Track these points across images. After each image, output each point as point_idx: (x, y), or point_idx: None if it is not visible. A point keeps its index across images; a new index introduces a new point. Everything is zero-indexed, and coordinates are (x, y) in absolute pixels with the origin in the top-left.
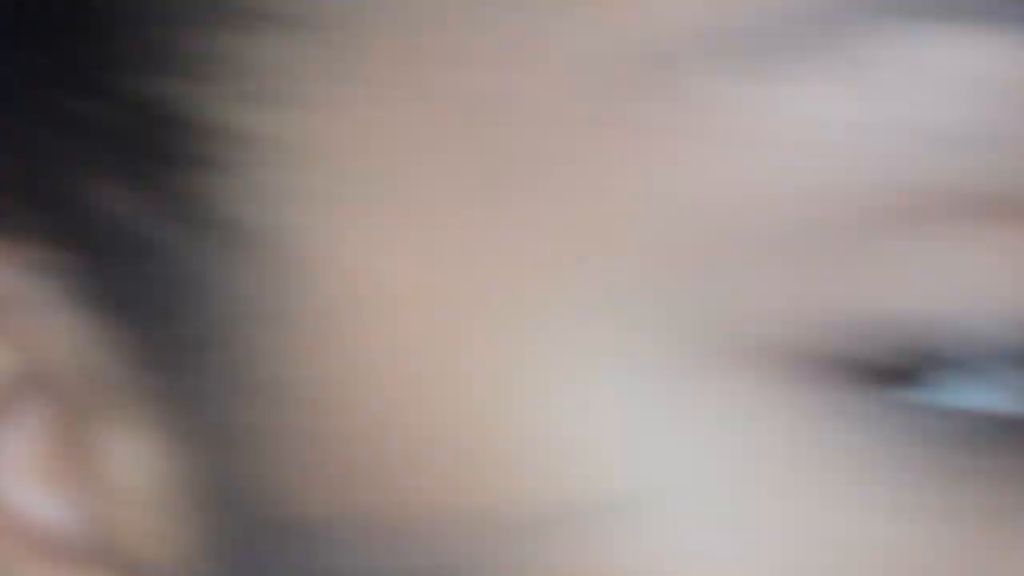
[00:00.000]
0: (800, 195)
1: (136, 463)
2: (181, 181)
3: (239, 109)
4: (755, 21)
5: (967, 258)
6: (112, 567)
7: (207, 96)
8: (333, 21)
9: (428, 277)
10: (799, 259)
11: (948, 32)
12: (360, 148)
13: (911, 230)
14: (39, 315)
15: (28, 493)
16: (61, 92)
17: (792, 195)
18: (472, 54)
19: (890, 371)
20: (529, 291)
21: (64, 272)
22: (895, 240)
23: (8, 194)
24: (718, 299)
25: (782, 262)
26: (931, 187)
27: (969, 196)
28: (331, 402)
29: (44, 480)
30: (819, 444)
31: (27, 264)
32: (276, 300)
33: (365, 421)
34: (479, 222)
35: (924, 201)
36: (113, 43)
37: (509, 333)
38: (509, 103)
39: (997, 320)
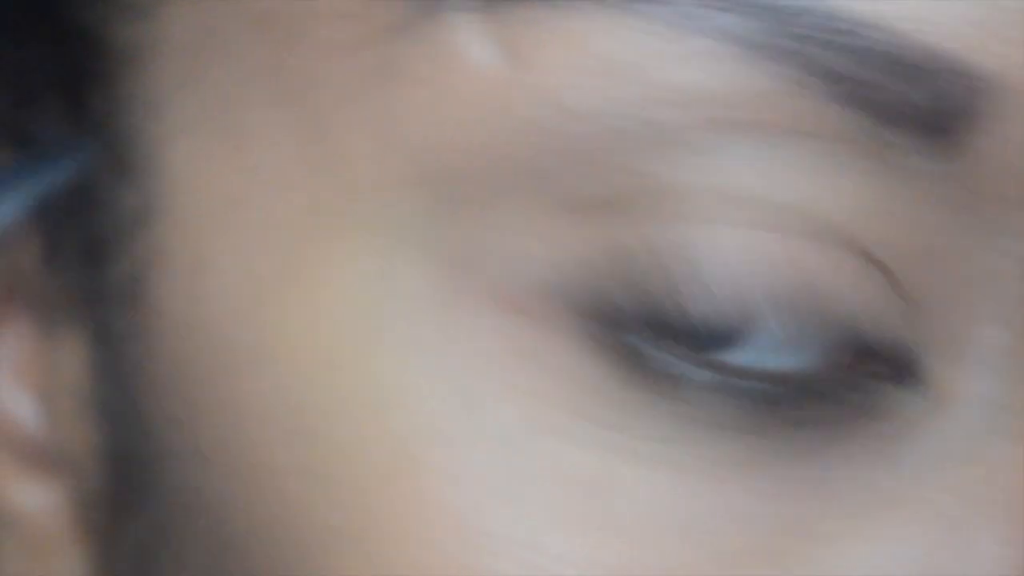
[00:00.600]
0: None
1: (68, 368)
2: (83, 95)
3: (116, 21)
4: None
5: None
6: (65, 474)
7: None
8: None
9: (234, 190)
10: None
11: (602, 16)
12: (188, 56)
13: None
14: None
15: (11, 396)
16: None
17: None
18: None
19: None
20: (318, 216)
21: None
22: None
23: None
24: (476, 240)
25: (517, 206)
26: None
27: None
28: (158, 303)
29: (21, 384)
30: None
31: None
32: (136, 206)
33: (180, 320)
34: (275, 141)
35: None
36: None
37: (291, 250)
38: (303, 29)
39: None
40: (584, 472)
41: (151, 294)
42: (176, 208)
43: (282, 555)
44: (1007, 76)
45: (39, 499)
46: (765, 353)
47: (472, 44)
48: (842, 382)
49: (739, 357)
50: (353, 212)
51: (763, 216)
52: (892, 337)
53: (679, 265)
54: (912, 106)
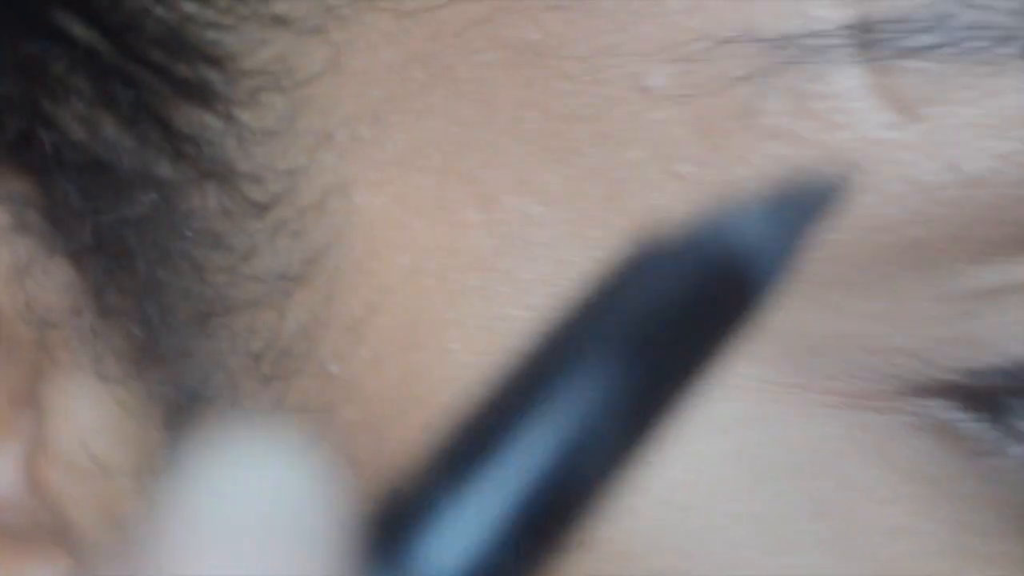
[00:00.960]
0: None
1: (86, 422)
2: (176, 116)
3: (249, 37)
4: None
5: None
6: (54, 542)
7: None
8: None
9: (477, 254)
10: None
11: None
12: (385, 86)
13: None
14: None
15: None
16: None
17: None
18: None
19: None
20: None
21: (41, 210)
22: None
23: None
24: (832, 325)
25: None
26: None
27: None
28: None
29: None
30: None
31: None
32: (288, 255)
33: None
34: (547, 198)
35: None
36: None
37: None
38: (595, 70)
39: None
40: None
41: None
42: (370, 265)
43: None
44: None
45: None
46: None
47: (853, 97)
48: None
49: None
50: None
51: None
52: None
53: None
54: None
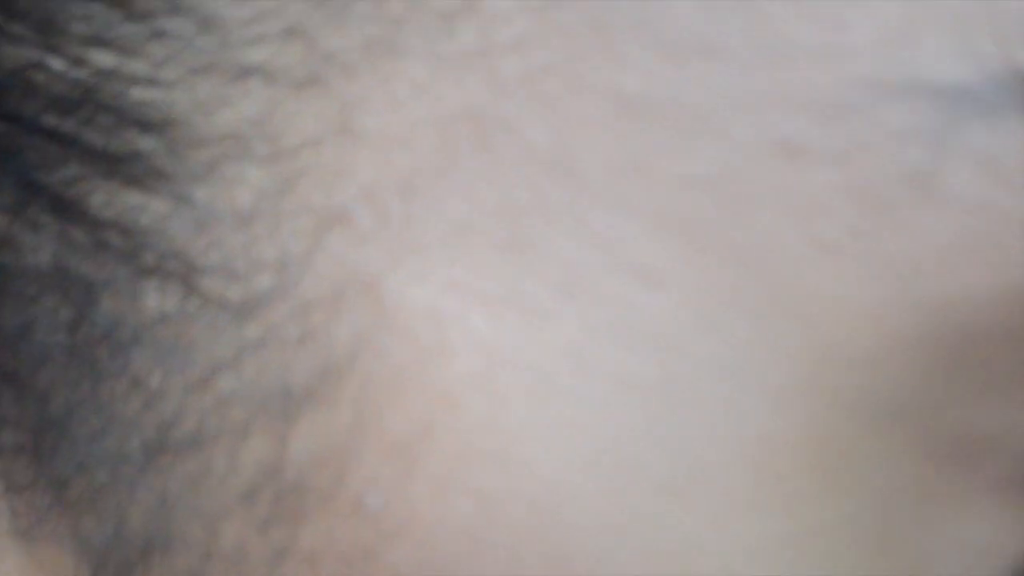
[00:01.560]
0: None
1: None
2: (94, 199)
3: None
4: None
5: None
6: None
7: None
8: None
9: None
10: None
11: None
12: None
13: None
14: None
15: None
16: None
17: None
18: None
19: None
20: None
21: None
22: None
23: None
24: (982, 430)
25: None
26: None
27: None
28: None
29: None
30: None
31: None
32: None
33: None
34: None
35: None
36: None
37: None
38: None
39: None
40: None
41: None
42: (419, 373)
43: None
44: None
45: None
46: None
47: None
48: None
49: None
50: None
51: None
52: None
53: None
54: None
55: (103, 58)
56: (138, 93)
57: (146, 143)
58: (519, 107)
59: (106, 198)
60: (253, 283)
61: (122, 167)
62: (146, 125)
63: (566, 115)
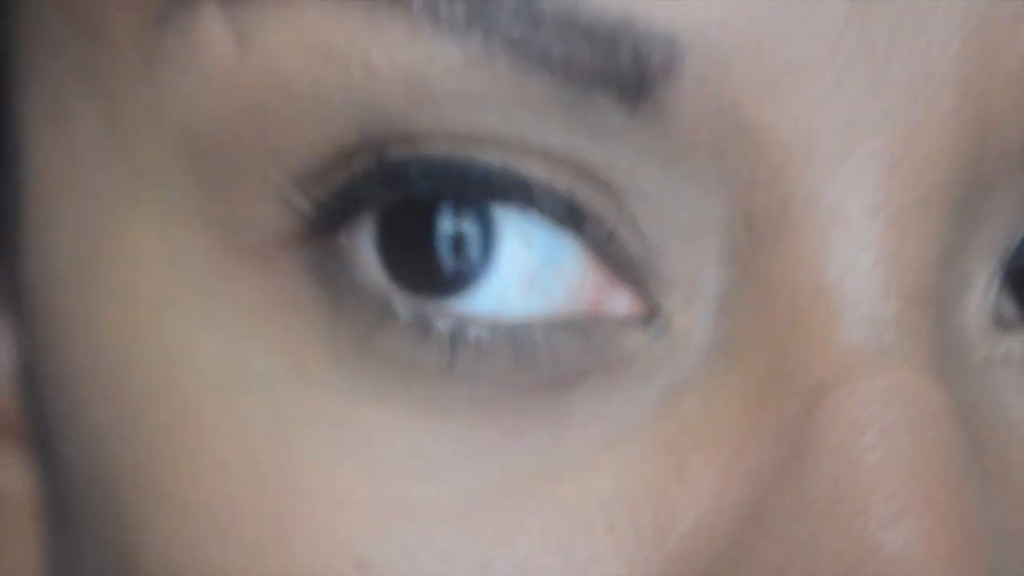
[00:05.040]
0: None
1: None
2: None
3: None
4: None
5: None
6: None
7: None
8: None
9: (64, 174)
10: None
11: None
12: (31, 55)
13: None
14: None
15: None
16: None
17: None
18: None
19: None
20: (119, 196)
21: None
22: None
23: None
24: (232, 206)
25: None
26: None
27: None
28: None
29: None
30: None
31: None
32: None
33: (36, 301)
34: (89, 128)
35: None
36: None
37: (102, 227)
38: (103, 21)
39: None
40: (339, 413)
41: (21, 277)
42: (30, 193)
43: (111, 510)
44: (688, 33)
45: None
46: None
47: (213, 32)
48: (587, 323)
49: (482, 303)
50: (142, 190)
51: None
52: (635, 274)
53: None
54: (607, 72)
55: None
56: None
57: None
58: None
59: None
60: None
61: None
62: None
63: None
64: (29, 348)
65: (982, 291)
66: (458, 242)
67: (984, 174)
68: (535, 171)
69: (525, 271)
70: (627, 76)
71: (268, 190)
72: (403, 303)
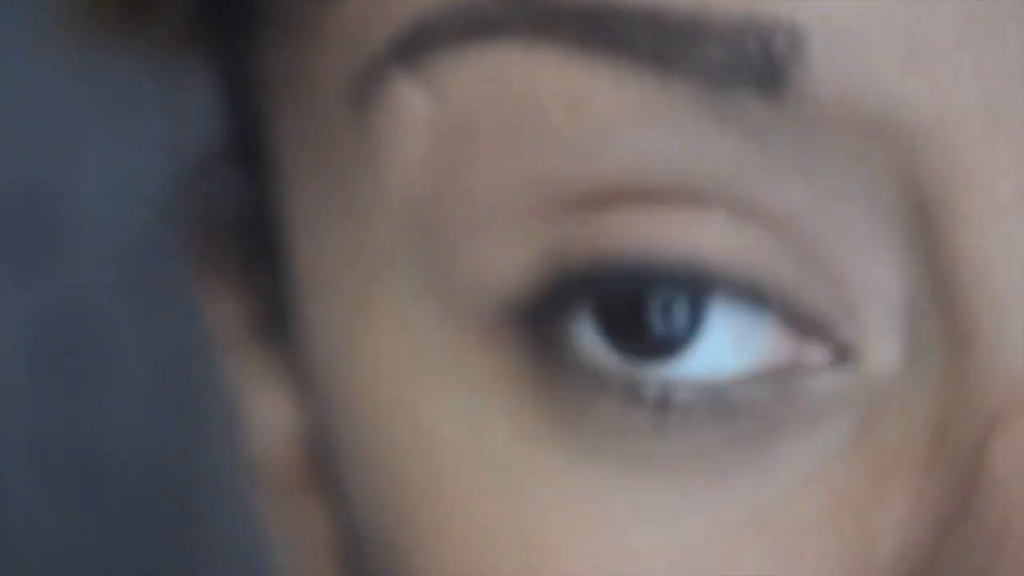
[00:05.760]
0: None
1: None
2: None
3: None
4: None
5: None
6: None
7: None
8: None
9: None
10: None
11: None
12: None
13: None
14: None
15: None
16: None
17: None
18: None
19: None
20: (359, 265)
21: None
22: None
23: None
24: (456, 270)
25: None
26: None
27: None
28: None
29: None
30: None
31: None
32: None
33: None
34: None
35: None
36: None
37: (351, 298)
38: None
39: None
40: (565, 473)
41: (297, 356)
42: (292, 253)
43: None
44: (808, 17)
45: None
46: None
47: (405, 92)
48: (785, 375)
49: (688, 367)
50: (381, 269)
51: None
52: (826, 328)
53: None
54: (739, 65)
55: None
56: None
57: None
58: None
59: None
60: None
61: None
62: None
63: None
64: (312, 415)
65: None
66: (667, 308)
67: None
68: (711, 261)
69: (729, 334)
70: (757, 65)
71: (488, 248)
72: (615, 371)
